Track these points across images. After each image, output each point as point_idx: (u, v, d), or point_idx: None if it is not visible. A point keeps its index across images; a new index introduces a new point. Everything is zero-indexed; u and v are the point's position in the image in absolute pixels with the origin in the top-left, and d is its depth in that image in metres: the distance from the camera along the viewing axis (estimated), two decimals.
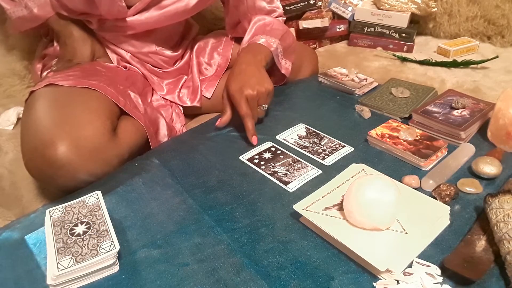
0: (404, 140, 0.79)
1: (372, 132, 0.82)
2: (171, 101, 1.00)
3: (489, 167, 0.70)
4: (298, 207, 0.63)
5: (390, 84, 1.03)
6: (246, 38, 0.96)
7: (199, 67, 1.07)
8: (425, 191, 0.69)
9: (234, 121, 0.93)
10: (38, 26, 0.90)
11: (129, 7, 0.85)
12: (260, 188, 0.72)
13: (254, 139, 0.83)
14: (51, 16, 0.87)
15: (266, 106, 0.87)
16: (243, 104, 0.81)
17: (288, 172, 0.75)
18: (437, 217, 0.61)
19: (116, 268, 0.57)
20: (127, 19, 0.86)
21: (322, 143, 0.84)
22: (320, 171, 0.75)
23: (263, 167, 0.77)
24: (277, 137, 0.86)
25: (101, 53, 0.94)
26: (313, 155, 0.80)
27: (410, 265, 0.55)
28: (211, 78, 1.05)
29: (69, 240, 0.58)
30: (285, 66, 1.00)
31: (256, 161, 0.79)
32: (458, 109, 0.86)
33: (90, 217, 0.62)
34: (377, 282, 0.53)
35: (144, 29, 0.90)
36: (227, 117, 0.86)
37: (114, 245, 0.56)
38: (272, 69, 0.97)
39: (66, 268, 0.53)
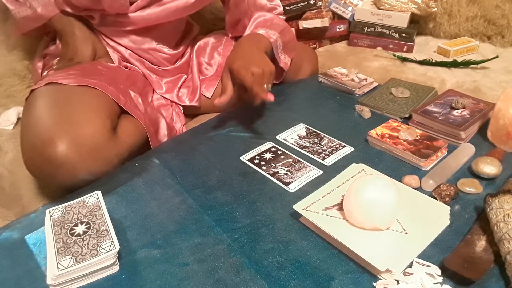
0: (404, 140, 0.79)
1: (372, 132, 0.82)
2: (170, 101, 1.00)
3: (489, 167, 0.70)
4: (298, 207, 0.63)
5: (390, 84, 1.03)
6: (246, 32, 0.96)
7: (199, 67, 1.07)
8: (425, 191, 0.69)
9: (234, 120, 0.93)
10: (40, 27, 0.90)
11: (131, 3, 0.85)
12: (260, 188, 0.72)
13: (270, 96, 0.80)
14: (54, 15, 0.88)
15: (270, 86, 0.85)
16: (249, 77, 0.79)
17: (289, 173, 0.75)
18: (437, 217, 0.61)
19: (116, 268, 0.57)
20: (129, 14, 0.87)
21: (322, 143, 0.84)
22: (321, 172, 0.75)
23: (263, 167, 0.77)
24: (277, 137, 0.86)
25: (102, 53, 0.94)
26: (313, 155, 0.80)
27: (410, 265, 0.55)
28: (211, 78, 1.05)
29: (69, 240, 0.58)
30: (284, 60, 0.99)
31: (256, 161, 0.79)
32: (458, 109, 0.86)
33: (90, 217, 0.62)
34: (377, 282, 0.53)
35: (145, 24, 0.90)
36: (228, 95, 0.83)
37: (114, 245, 0.56)
38: None
39: (66, 268, 0.53)
